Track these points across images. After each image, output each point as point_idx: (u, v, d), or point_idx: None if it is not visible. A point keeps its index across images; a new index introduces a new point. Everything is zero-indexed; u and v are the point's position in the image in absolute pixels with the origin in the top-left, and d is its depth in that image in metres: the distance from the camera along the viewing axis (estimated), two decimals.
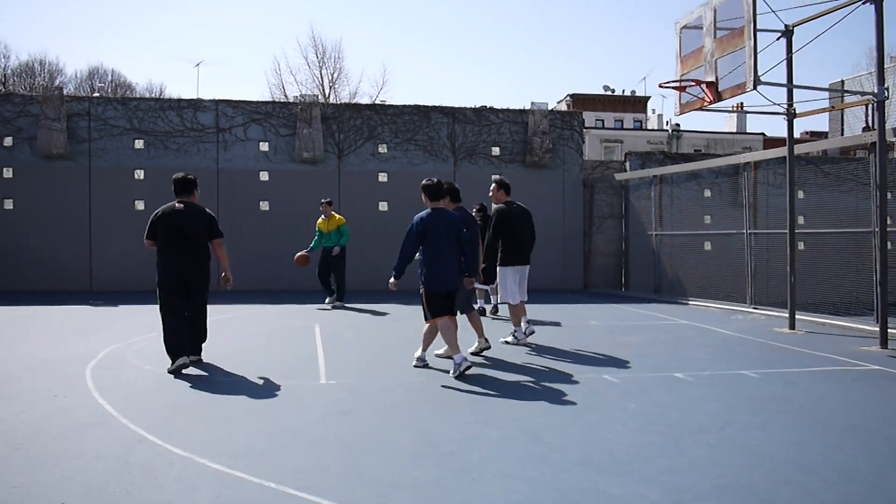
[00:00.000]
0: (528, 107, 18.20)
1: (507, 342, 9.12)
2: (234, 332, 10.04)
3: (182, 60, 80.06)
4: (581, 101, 50.40)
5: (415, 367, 7.47)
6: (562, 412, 5.77)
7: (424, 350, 7.58)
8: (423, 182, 7.40)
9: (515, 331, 9.17)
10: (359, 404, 5.96)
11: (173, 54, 77.51)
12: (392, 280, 7.31)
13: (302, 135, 16.82)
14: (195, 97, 17.62)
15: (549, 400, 6.17)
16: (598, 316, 12.43)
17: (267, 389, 6.50)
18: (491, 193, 9.56)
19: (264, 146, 16.95)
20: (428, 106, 17.81)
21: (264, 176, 16.86)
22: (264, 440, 4.88)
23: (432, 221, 7.18)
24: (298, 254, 13.06)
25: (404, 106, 17.80)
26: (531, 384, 6.77)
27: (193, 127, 16.67)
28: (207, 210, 7.79)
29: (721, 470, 4.35)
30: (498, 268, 9.26)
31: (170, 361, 7.15)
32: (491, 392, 6.46)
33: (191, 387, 6.57)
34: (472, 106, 18.42)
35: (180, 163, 16.30)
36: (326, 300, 13.31)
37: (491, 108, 18.38)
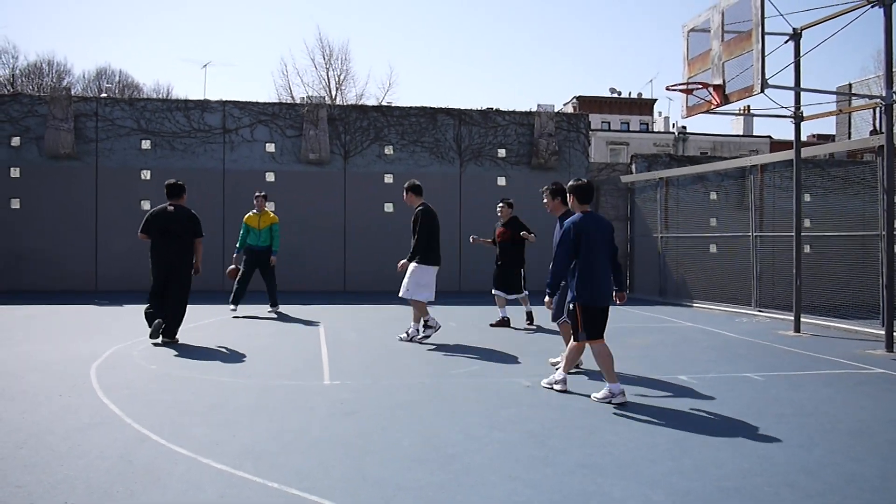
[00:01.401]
0: (534, 109, 18.21)
1: (402, 339, 9.31)
2: (238, 332, 10.06)
3: (189, 61, 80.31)
4: (587, 104, 50.38)
5: (558, 391, 6.53)
6: (566, 414, 5.76)
7: (567, 370, 6.65)
8: (572, 183, 6.57)
9: (415, 326, 9.31)
10: (363, 405, 5.97)
11: (181, 55, 77.77)
12: (547, 299, 6.65)
13: (308, 136, 16.85)
14: (202, 98, 17.65)
15: (552, 402, 6.16)
16: None
17: (271, 390, 6.50)
18: (405, 197, 9.53)
19: (271, 147, 16.99)
20: (434, 108, 17.83)
21: (270, 177, 16.90)
22: (268, 441, 4.89)
23: (587, 226, 6.27)
24: (230, 268, 12.11)
25: (410, 108, 17.83)
26: (535, 386, 6.76)
27: (200, 128, 16.72)
28: (193, 212, 9.18)
29: (725, 473, 4.34)
30: (419, 266, 9.21)
31: (158, 335, 8.83)
32: (494, 394, 6.46)
33: (195, 387, 6.59)
34: (479, 108, 18.43)
35: (187, 163, 16.39)
36: (232, 305, 12.05)
37: (497, 110, 18.37)
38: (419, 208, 9.30)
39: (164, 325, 8.79)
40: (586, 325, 6.27)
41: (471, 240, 10.75)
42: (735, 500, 3.92)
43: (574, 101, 52.30)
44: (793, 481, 4.22)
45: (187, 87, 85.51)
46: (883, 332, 9.26)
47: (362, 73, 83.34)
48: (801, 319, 10.74)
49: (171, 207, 9.01)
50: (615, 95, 56.05)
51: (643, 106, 55.87)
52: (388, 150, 17.38)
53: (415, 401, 6.18)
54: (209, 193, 16.34)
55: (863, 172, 15.04)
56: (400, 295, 9.35)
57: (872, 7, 9.17)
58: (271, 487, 3.99)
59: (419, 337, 9.27)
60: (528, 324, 10.84)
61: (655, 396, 6.40)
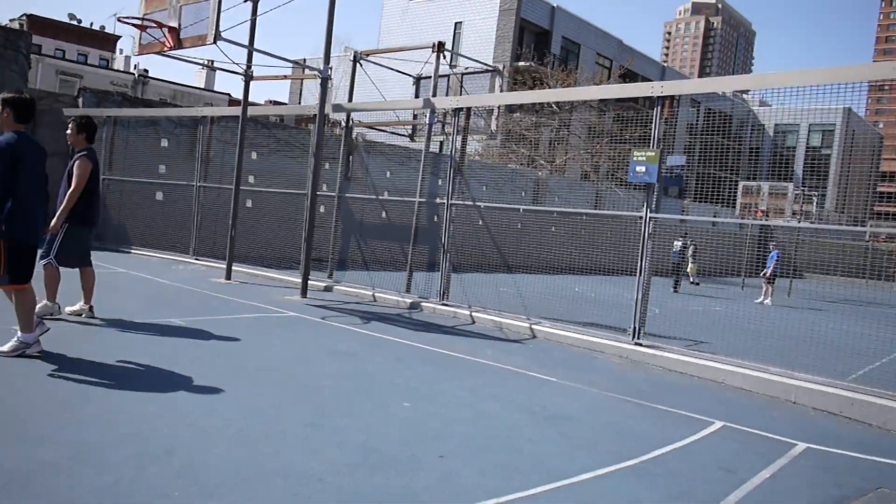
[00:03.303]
0: None
1: None
2: None
3: None
4: (41, 25, 44.87)
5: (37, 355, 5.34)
6: None
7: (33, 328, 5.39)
8: (8, 95, 5.39)
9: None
10: None
11: None
12: None
13: None
14: None
15: None
16: None
17: None
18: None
19: None
20: None
21: None
22: None
23: (26, 149, 5.27)
24: None
25: None
26: None
27: None
28: None
29: (126, 419, 4.22)
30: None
31: None
32: None
33: None
34: None
35: None
36: None
37: None
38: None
39: None
40: (14, 265, 5.23)
41: None
42: (132, 445, 3.83)
43: (24, 18, 45.91)
44: (193, 422, 4.31)
45: None
46: (300, 280, 10.28)
47: None
48: (234, 268, 11.28)
49: None
50: (74, 23, 50.97)
51: (105, 40, 51.98)
52: None
53: None
54: None
55: (304, 137, 16.46)
56: None
57: None
58: None
59: None
60: None
61: (69, 345, 5.89)
